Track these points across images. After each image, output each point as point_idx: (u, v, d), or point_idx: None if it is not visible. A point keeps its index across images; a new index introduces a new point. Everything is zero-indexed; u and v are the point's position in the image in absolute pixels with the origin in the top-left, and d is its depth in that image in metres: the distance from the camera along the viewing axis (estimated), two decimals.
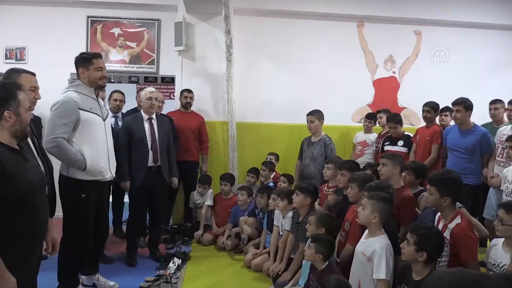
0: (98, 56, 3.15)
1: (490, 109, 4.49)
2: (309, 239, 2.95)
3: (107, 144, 3.18)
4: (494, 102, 4.48)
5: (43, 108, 3.28)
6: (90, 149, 3.00)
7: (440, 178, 2.67)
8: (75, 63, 3.11)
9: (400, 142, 4.70)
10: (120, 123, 4.52)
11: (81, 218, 3.05)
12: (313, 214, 3.34)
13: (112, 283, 3.46)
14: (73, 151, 2.91)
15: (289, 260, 3.63)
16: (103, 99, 4.13)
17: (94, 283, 3.41)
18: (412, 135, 4.74)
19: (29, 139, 2.14)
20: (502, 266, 2.32)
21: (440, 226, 2.62)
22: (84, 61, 3.08)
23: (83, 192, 3.02)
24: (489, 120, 4.60)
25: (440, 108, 4.75)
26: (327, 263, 2.84)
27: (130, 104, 5.27)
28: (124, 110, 4.95)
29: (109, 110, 3.77)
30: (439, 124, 4.75)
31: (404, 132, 4.79)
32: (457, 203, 2.70)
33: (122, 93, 4.80)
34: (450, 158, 4.23)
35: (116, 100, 4.73)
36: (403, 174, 3.59)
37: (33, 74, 2.66)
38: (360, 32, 5.74)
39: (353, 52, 5.72)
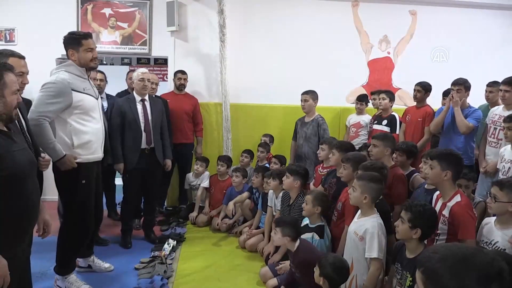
0: (87, 36, 3.01)
1: (486, 91, 4.31)
2: (273, 225, 2.93)
3: (101, 123, 3.14)
4: (491, 84, 4.25)
5: (34, 92, 3.22)
6: (84, 129, 2.96)
7: (442, 152, 2.69)
8: (64, 43, 2.99)
9: (385, 122, 4.67)
10: (105, 104, 4.39)
11: (81, 202, 2.99)
12: (309, 193, 3.34)
13: (107, 264, 3.49)
14: (53, 138, 2.81)
15: None
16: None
17: (90, 265, 3.42)
18: (396, 116, 4.67)
19: (17, 122, 2.09)
20: (494, 244, 2.34)
21: (438, 205, 2.62)
22: (73, 42, 2.96)
23: (82, 176, 2.96)
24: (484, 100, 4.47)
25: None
26: (298, 242, 2.83)
27: (123, 85, 5.20)
28: (113, 92, 4.84)
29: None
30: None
31: (392, 112, 4.74)
32: None
33: (103, 73, 4.56)
34: (444, 138, 4.23)
35: (96, 79, 4.39)
36: (394, 155, 3.61)
37: (22, 58, 2.53)
38: (354, 12, 5.67)
39: (347, 32, 5.65)
